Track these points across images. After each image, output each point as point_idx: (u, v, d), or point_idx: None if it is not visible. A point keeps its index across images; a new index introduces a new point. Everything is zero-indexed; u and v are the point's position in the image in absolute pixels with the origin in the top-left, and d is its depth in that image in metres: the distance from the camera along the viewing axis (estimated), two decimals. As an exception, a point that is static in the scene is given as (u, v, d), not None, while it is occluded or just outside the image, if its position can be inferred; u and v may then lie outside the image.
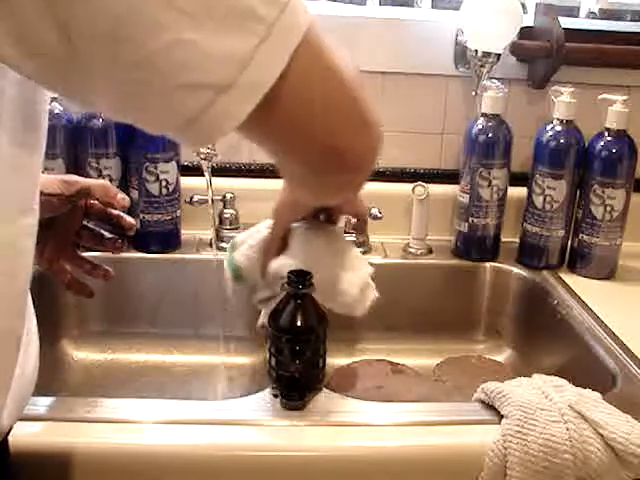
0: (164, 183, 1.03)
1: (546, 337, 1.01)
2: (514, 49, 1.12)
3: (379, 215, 1.07)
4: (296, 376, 0.71)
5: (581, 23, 1.19)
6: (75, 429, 0.65)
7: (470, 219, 1.09)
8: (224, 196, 1.09)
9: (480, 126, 1.06)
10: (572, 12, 1.21)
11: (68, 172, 1.01)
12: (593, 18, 1.21)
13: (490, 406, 0.70)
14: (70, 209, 0.72)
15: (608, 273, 1.07)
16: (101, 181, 0.75)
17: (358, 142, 0.45)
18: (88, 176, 1.02)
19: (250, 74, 0.37)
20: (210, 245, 1.07)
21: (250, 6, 0.36)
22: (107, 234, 0.76)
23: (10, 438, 0.53)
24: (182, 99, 0.37)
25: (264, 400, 0.71)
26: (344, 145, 0.44)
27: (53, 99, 0.97)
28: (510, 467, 0.63)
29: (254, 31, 0.36)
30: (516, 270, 1.09)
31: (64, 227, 0.73)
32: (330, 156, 0.44)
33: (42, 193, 0.62)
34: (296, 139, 0.43)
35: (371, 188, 1.17)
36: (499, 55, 1.07)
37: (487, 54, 1.07)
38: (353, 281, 0.79)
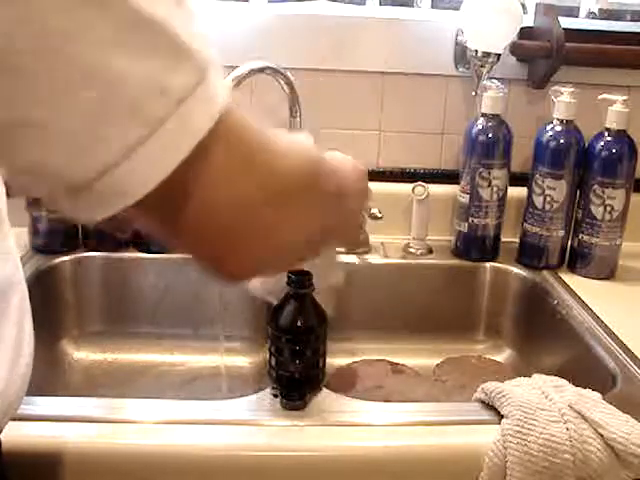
0: (164, 183, 1.03)
1: (546, 337, 1.01)
2: (514, 49, 1.12)
3: (379, 215, 1.07)
4: (296, 376, 0.71)
5: (581, 23, 1.19)
6: (73, 429, 0.65)
7: (470, 219, 1.09)
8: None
9: (480, 126, 1.06)
10: (572, 12, 1.21)
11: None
12: (593, 18, 1.21)
13: (490, 406, 0.70)
14: None
15: (608, 273, 1.07)
16: None
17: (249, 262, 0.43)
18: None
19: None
20: (210, 245, 1.07)
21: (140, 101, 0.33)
22: None
23: (2, 438, 0.53)
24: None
25: (264, 400, 0.71)
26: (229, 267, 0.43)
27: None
28: (510, 467, 0.63)
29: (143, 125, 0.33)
30: (516, 270, 1.09)
31: None
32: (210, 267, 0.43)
33: None
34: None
35: (371, 188, 1.18)
36: (499, 55, 1.07)
37: (487, 54, 1.07)
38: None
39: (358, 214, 0.68)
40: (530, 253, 1.09)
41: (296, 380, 0.72)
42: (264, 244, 0.43)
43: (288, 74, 1.04)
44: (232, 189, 0.39)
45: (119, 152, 0.33)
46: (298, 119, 1.08)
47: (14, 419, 0.53)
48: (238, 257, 0.42)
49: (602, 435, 0.64)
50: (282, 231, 0.44)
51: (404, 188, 1.13)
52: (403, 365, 1.03)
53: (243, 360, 1.04)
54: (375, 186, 1.15)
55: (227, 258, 0.42)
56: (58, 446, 0.63)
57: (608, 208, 1.03)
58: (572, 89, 1.03)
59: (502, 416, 0.67)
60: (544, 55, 1.09)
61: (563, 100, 1.03)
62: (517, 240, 1.11)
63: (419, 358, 1.06)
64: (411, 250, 1.12)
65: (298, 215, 0.45)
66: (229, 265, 0.43)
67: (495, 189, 1.07)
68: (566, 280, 1.04)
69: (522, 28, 1.08)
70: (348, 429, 0.68)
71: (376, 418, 0.70)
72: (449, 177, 1.16)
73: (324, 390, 0.74)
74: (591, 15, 1.21)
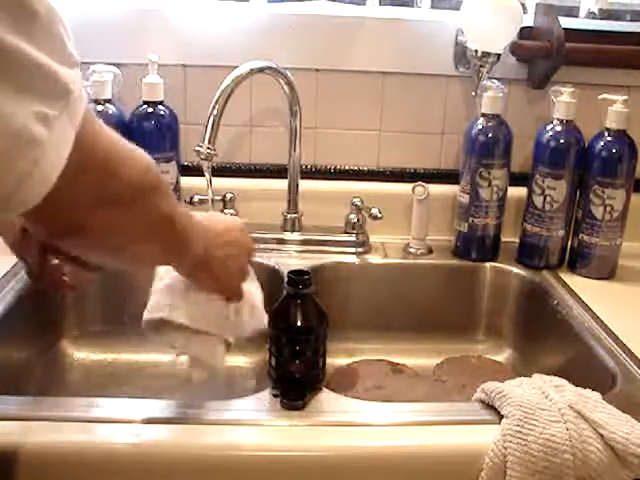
0: (164, 183, 1.03)
1: (546, 337, 1.01)
2: (514, 49, 1.12)
3: (379, 215, 1.07)
4: (296, 376, 0.71)
5: (581, 23, 1.19)
6: (72, 429, 0.65)
7: (470, 219, 1.09)
8: (224, 196, 1.09)
9: (480, 126, 1.06)
10: (572, 12, 1.21)
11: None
12: (593, 18, 1.21)
13: (490, 406, 0.70)
14: None
15: (608, 273, 1.07)
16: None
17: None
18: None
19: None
20: (210, 245, 1.07)
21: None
22: None
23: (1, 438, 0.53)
24: None
25: (264, 400, 0.71)
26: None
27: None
28: (510, 467, 0.63)
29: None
30: (516, 270, 1.09)
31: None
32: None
33: None
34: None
35: (371, 188, 1.19)
36: (499, 55, 1.07)
37: (487, 54, 1.06)
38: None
39: (235, 268, 0.70)
40: (530, 253, 1.09)
41: (296, 380, 0.72)
42: (98, 240, 0.51)
43: (288, 74, 1.04)
44: (71, 189, 0.44)
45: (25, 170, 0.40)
46: (298, 119, 1.08)
47: (16, 419, 0.53)
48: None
49: (602, 435, 0.64)
50: (113, 231, 0.50)
51: (404, 188, 1.13)
52: (403, 365, 1.03)
53: (243, 360, 1.04)
54: (375, 186, 1.17)
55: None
56: (58, 446, 0.63)
57: (608, 208, 1.03)
58: (572, 89, 1.03)
59: (502, 416, 0.67)
60: (544, 55, 1.09)
61: (563, 100, 1.03)
62: (517, 240, 1.11)
63: (419, 358, 1.06)
64: (411, 250, 1.12)
65: (128, 219, 0.51)
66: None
67: (495, 189, 1.07)
68: (566, 280, 1.04)
69: (522, 28, 1.08)
70: (348, 429, 0.68)
71: (376, 418, 0.70)
72: (449, 177, 1.16)
73: (324, 390, 0.74)
74: (591, 15, 1.21)
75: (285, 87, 1.05)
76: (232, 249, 0.68)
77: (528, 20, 1.13)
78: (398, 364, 1.03)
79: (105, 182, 0.47)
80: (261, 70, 1.01)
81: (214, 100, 0.96)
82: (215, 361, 0.71)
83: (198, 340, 0.70)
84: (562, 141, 1.04)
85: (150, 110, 1.05)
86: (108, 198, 0.48)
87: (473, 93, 1.10)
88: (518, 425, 0.65)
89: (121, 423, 0.66)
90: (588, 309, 0.95)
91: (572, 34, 1.10)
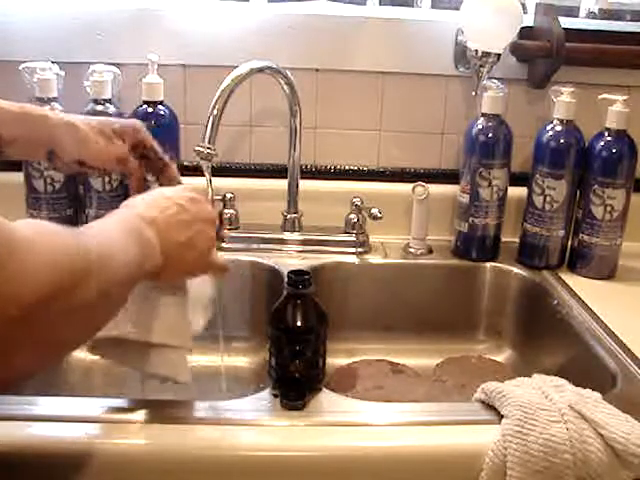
0: (164, 183, 1.03)
1: (546, 337, 1.01)
2: (514, 49, 1.12)
3: (379, 215, 1.07)
4: (296, 376, 0.71)
5: (581, 23, 1.19)
6: (72, 429, 0.65)
7: (470, 219, 1.09)
8: (224, 196, 1.09)
9: (480, 126, 1.06)
10: (572, 12, 1.21)
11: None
12: (593, 18, 1.21)
13: (490, 406, 0.70)
14: None
15: (608, 273, 1.07)
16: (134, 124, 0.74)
17: None
18: (86, 177, 1.02)
19: None
20: (210, 245, 1.07)
21: None
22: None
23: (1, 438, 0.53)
24: None
25: (264, 400, 0.71)
26: None
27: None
28: (510, 467, 0.63)
29: None
30: (516, 270, 1.09)
31: None
32: None
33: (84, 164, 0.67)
34: None
35: (371, 188, 1.19)
36: (499, 55, 1.07)
37: (487, 54, 1.06)
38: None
39: (202, 244, 0.65)
40: (530, 253, 1.09)
41: (296, 380, 0.72)
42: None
43: (288, 74, 1.04)
44: None
45: None
46: (298, 119, 1.08)
47: (16, 419, 0.53)
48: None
49: (602, 435, 0.64)
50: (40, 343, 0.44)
51: (404, 188, 1.13)
52: (403, 365, 1.03)
53: (243, 360, 1.04)
54: (375, 186, 1.17)
55: None
56: (58, 446, 0.63)
57: (608, 208, 1.03)
58: (572, 89, 1.03)
59: (502, 416, 0.67)
60: (544, 55, 1.09)
61: (563, 100, 1.03)
62: (517, 240, 1.11)
63: (419, 358, 1.06)
64: (411, 250, 1.12)
65: (56, 326, 0.44)
66: None
67: (495, 189, 1.07)
68: (566, 280, 1.04)
69: (522, 28, 1.08)
70: (348, 429, 0.68)
71: (376, 418, 0.70)
72: (449, 177, 1.16)
73: (324, 390, 0.74)
74: (591, 15, 1.21)
75: (285, 87, 1.05)
76: (193, 228, 0.64)
77: (528, 20, 1.13)
78: (398, 364, 1.03)
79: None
80: (261, 70, 1.01)
81: (214, 100, 0.96)
82: (178, 375, 0.69)
83: (156, 355, 0.67)
84: (562, 141, 1.04)
85: (150, 110, 1.05)
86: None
87: (473, 93, 1.10)
88: (518, 425, 0.65)
89: (121, 423, 0.66)
90: (588, 309, 0.95)
91: (572, 34, 1.10)
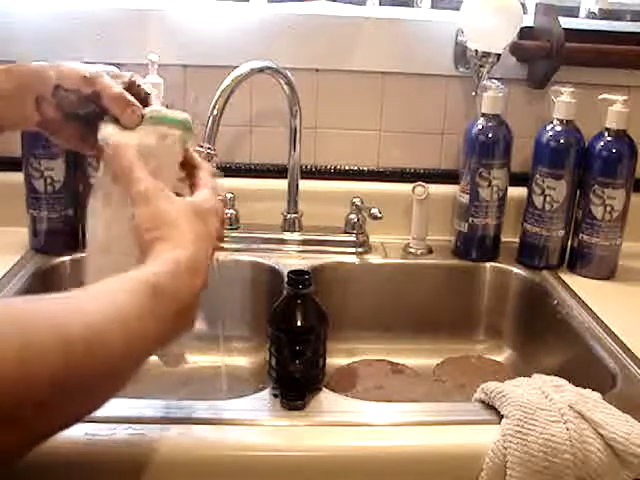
0: (164, 183, 1.03)
1: (546, 337, 1.01)
2: (514, 49, 1.12)
3: (379, 215, 1.07)
4: (296, 376, 0.71)
5: (581, 23, 1.19)
6: (71, 428, 0.65)
7: (470, 219, 1.09)
8: (224, 196, 1.09)
9: (480, 126, 1.06)
10: (572, 12, 1.21)
11: (67, 172, 1.01)
12: (593, 18, 1.21)
13: (490, 406, 0.70)
14: None
15: (608, 273, 1.07)
16: (117, 91, 0.68)
17: None
18: (86, 177, 1.02)
19: None
20: (210, 245, 1.07)
21: None
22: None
23: None
24: None
25: (264, 400, 0.71)
26: None
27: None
28: (510, 467, 0.63)
29: None
30: (516, 270, 1.09)
31: None
32: None
33: (60, 87, 0.64)
34: None
35: (371, 188, 1.19)
36: (499, 55, 1.07)
37: (487, 54, 1.07)
38: None
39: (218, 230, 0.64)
40: (530, 253, 1.09)
41: (296, 380, 0.72)
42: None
43: (288, 74, 1.04)
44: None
45: None
46: (298, 119, 1.08)
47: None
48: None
49: (602, 435, 0.64)
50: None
51: (404, 188, 1.13)
52: (403, 365, 1.03)
53: (243, 360, 1.04)
54: (375, 186, 1.17)
55: None
56: (58, 446, 0.63)
57: (608, 208, 1.03)
58: (572, 89, 1.03)
59: (502, 416, 0.67)
60: (544, 55, 1.09)
61: (563, 100, 1.03)
62: (517, 240, 1.11)
63: (419, 358, 1.06)
64: (411, 250, 1.12)
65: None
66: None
67: (495, 189, 1.07)
68: (566, 280, 1.04)
69: (522, 28, 1.08)
70: (348, 429, 0.68)
71: (376, 418, 0.70)
72: (449, 177, 1.16)
73: (324, 390, 0.74)
74: (591, 15, 1.21)
75: (285, 87, 1.05)
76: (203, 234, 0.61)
77: (528, 20, 1.13)
78: (398, 364, 1.03)
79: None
80: (261, 70, 1.01)
81: (214, 100, 0.96)
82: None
83: None
84: (562, 141, 1.04)
85: (150, 110, 1.05)
86: None
87: (473, 93, 1.11)
88: (518, 425, 0.65)
89: (120, 423, 0.66)
90: (588, 309, 0.95)
91: (572, 34, 1.10)
